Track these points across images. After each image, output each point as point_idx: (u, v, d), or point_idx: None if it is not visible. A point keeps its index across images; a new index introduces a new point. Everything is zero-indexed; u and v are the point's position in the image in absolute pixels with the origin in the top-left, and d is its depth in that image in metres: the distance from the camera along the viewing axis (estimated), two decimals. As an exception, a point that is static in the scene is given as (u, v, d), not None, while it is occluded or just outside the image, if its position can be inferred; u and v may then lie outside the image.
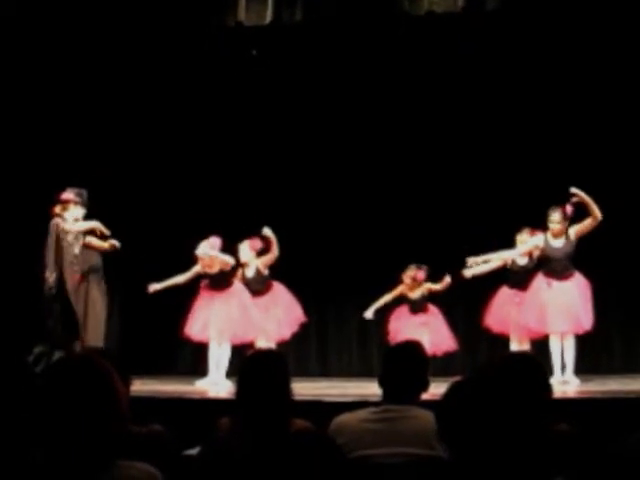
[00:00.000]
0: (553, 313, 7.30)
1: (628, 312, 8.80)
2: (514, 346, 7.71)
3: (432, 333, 8.08)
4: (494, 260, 7.68)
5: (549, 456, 1.86)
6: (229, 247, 7.94)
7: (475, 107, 9.05)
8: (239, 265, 8.06)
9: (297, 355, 8.91)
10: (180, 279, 8.00)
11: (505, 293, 7.90)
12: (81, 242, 7.53)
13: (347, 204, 9.23)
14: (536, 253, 7.61)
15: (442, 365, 7.98)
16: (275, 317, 8.14)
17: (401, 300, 8.32)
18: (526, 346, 7.64)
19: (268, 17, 7.96)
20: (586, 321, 7.33)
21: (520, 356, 2.06)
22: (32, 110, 8.68)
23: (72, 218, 7.49)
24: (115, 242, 7.61)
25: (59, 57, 8.54)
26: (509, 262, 7.81)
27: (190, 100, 9.31)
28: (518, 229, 7.79)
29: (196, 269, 7.96)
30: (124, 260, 7.99)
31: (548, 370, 7.17)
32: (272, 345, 7.77)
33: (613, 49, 8.42)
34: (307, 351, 9.36)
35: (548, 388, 1.92)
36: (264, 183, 9.33)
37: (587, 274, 7.45)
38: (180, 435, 3.32)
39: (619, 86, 8.60)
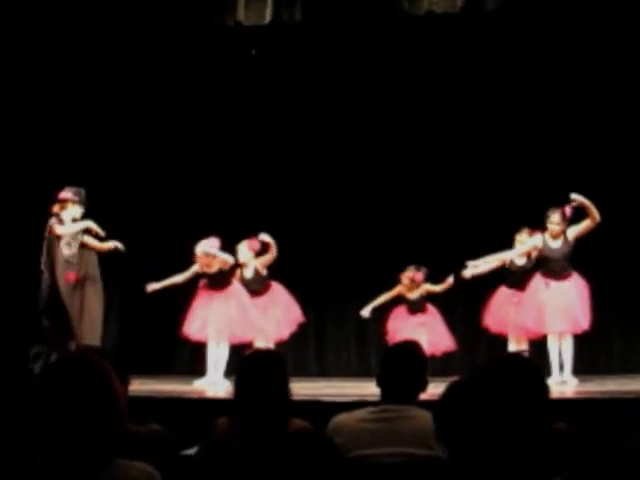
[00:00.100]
0: (551, 313, 7.31)
1: (626, 312, 8.80)
2: (512, 346, 7.73)
3: (430, 333, 8.09)
4: (493, 261, 7.69)
5: (547, 456, 1.86)
6: (228, 248, 7.94)
7: (474, 108, 9.05)
8: (237, 265, 8.06)
9: (295, 355, 8.91)
10: (178, 279, 8.00)
11: (503, 293, 7.91)
12: (79, 242, 7.53)
13: (346, 204, 9.23)
14: (534, 254, 7.63)
15: (440, 365, 7.99)
16: (274, 317, 8.14)
17: (399, 300, 8.32)
18: (524, 346, 7.65)
19: (267, 17, 7.96)
20: (584, 321, 7.35)
21: (517, 356, 2.06)
22: (32, 109, 8.68)
23: (70, 217, 7.48)
24: (118, 244, 7.59)
25: (59, 57, 8.54)
26: (507, 262, 7.83)
27: (189, 100, 9.31)
28: (517, 229, 7.80)
29: (194, 269, 7.96)
30: (123, 260, 7.99)
31: (546, 370, 7.18)
32: (270, 345, 7.77)
33: (613, 50, 8.43)
34: (305, 351, 9.35)
35: (545, 388, 1.92)
36: (263, 183, 9.32)
37: (585, 274, 7.46)
38: (178, 435, 3.32)
39: (618, 86, 8.60)
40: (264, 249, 8.11)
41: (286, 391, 2.86)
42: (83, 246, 7.57)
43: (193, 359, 8.71)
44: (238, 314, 7.83)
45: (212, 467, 2.78)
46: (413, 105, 9.17)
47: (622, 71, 8.55)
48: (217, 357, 7.82)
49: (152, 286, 7.98)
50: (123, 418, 2.07)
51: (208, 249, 7.76)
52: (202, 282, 7.98)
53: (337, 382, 8.23)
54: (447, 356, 8.32)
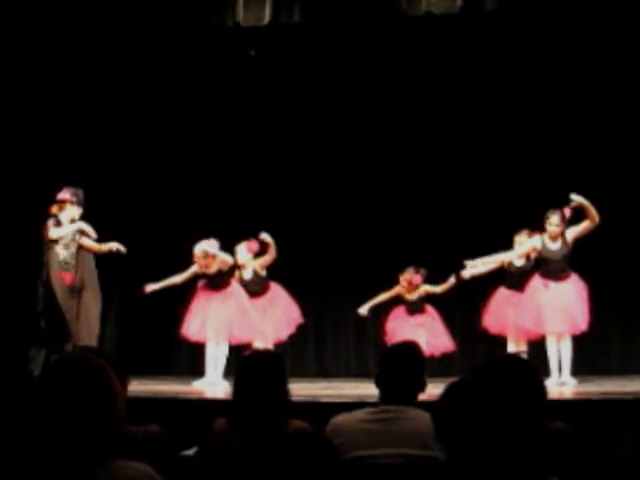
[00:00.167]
0: (550, 314, 7.31)
1: (625, 313, 8.81)
2: (511, 347, 7.73)
3: (430, 334, 8.08)
4: (492, 262, 7.69)
5: (545, 456, 1.87)
6: (227, 248, 7.94)
7: (474, 108, 9.04)
8: (236, 267, 8.06)
9: (294, 355, 8.91)
10: (177, 279, 7.99)
11: (502, 294, 7.91)
12: (76, 244, 7.51)
13: (345, 205, 9.23)
14: (533, 255, 7.63)
15: (439, 366, 7.98)
16: (273, 318, 8.14)
17: (399, 301, 8.31)
18: (523, 347, 7.65)
19: (266, 17, 7.95)
20: (583, 322, 7.35)
21: (515, 358, 2.07)
22: (32, 110, 8.67)
23: (68, 218, 7.47)
24: (118, 245, 7.58)
25: (59, 57, 8.53)
26: (506, 263, 7.83)
27: (188, 100, 9.31)
28: (517, 231, 7.80)
29: (193, 269, 7.95)
30: (122, 260, 7.99)
31: (545, 371, 7.19)
32: (269, 346, 7.77)
33: (612, 50, 8.43)
34: (304, 352, 9.35)
35: (543, 389, 1.93)
36: (262, 184, 9.32)
37: (584, 275, 7.46)
38: (177, 435, 3.32)
39: (618, 87, 8.60)
40: (263, 250, 8.11)
41: (285, 392, 2.86)
42: (81, 248, 7.55)
43: (192, 360, 8.71)
44: (237, 315, 7.83)
45: (211, 468, 2.78)
46: (412, 106, 9.17)
47: (622, 71, 8.55)
48: (216, 358, 7.82)
49: (151, 287, 7.98)
50: (122, 418, 2.07)
51: (208, 249, 7.75)
52: (201, 283, 7.98)
53: (336, 383, 8.24)
54: (446, 357, 8.31)
